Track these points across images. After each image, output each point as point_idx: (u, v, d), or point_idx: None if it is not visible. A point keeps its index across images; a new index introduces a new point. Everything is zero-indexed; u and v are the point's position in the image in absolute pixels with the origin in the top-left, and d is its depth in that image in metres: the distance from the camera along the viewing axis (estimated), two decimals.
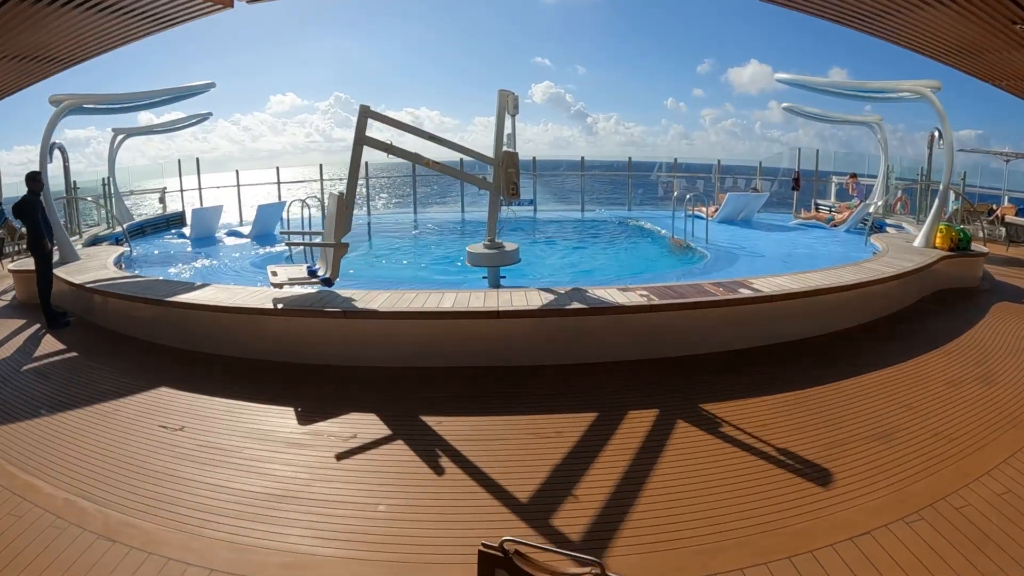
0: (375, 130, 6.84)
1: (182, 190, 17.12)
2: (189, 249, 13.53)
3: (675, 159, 19.91)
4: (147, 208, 20.02)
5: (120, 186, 16.69)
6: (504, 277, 7.98)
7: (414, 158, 6.99)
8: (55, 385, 6.13)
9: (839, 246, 12.47)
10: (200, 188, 17.83)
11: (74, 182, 14.11)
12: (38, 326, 8.53)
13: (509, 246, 7.81)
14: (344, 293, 6.75)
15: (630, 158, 19.25)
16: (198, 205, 16.72)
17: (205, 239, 14.61)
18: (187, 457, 4.51)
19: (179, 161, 16.72)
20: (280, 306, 6.32)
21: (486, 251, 7.66)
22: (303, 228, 12.77)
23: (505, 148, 7.50)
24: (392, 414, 5.18)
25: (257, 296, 6.78)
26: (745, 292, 6.39)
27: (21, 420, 5.26)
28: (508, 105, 7.48)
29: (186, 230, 15.24)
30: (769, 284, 6.77)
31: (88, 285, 8.34)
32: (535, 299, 6.20)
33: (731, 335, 6.46)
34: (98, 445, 4.72)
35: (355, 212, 18.99)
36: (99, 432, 4.96)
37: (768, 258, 11.36)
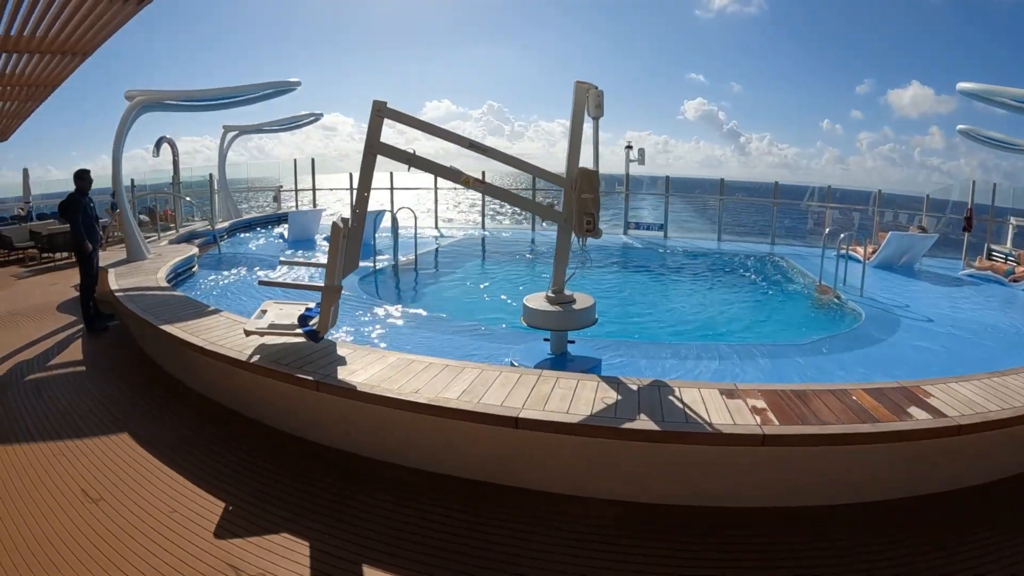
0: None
1: (297, 190, 16.49)
2: (276, 253, 12.68)
3: (828, 186, 16.61)
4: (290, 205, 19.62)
5: (242, 183, 16.44)
6: (573, 342, 5.82)
7: (449, 174, 5.09)
8: (38, 404, 5.62)
9: None
10: (314, 189, 17.24)
11: (172, 176, 13.81)
12: (81, 326, 8.14)
13: (582, 300, 5.59)
14: (344, 349, 5.03)
15: (776, 183, 16.21)
16: (307, 207, 16.08)
17: (301, 242, 13.79)
18: (71, 548, 3.46)
19: (295, 161, 16.17)
20: (255, 359, 4.72)
21: (548, 308, 5.48)
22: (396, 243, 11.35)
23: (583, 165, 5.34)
24: (333, 552, 3.40)
25: (245, 339, 5.24)
26: (919, 416, 3.89)
27: None
28: (588, 104, 5.34)
29: (286, 231, 14.51)
30: (952, 398, 4.20)
31: (117, 291, 7.38)
32: (585, 398, 4.03)
33: (885, 478, 4.03)
34: (11, 500, 3.99)
35: (464, 224, 17.36)
36: (22, 481, 4.24)
37: (936, 324, 8.38)
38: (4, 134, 12.19)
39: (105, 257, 9.83)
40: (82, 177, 7.67)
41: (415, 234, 12.41)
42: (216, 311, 6.38)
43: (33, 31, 5.98)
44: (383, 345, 6.77)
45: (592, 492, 3.94)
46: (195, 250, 10.65)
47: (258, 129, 15.24)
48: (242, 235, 15.06)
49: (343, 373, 4.43)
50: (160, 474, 4.32)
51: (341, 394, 4.17)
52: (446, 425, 3.94)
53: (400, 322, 7.98)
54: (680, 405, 3.93)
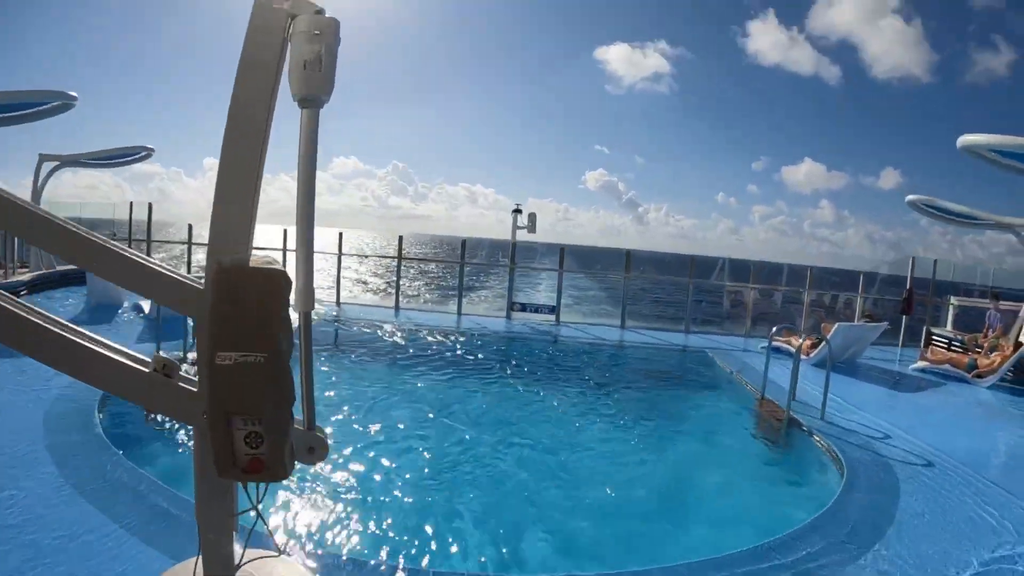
0: None
1: (130, 238, 12.18)
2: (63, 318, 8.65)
3: (756, 261, 13.77)
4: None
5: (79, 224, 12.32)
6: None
7: None
8: None
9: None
10: (149, 241, 12.56)
11: None
12: None
13: None
14: None
15: (693, 257, 12.84)
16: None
17: (104, 308, 9.84)
18: None
19: (131, 203, 12.00)
20: None
21: None
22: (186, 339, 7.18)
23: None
24: None
25: None
26: None
27: None
28: (289, 41, 1.82)
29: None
30: None
31: None
32: None
33: None
34: None
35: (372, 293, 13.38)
36: None
37: (939, 466, 5.42)
38: None
39: None
40: None
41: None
42: None
43: None
44: None
45: None
46: None
47: (75, 160, 11.32)
48: (55, 292, 11.08)
49: None
50: None
51: None
52: None
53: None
54: None
